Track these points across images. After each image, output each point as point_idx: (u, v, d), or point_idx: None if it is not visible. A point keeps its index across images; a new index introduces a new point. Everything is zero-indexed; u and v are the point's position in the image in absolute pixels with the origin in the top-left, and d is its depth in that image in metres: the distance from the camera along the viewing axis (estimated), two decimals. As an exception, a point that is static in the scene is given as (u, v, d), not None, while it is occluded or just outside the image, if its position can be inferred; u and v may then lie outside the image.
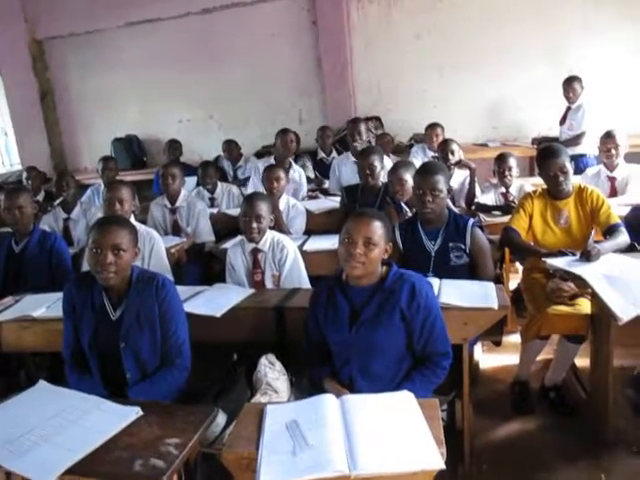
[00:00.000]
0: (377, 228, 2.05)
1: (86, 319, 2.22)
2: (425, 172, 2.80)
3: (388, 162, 4.52)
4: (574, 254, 2.75)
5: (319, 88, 6.81)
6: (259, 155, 6.06)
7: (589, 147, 5.02)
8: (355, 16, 6.57)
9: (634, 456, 2.51)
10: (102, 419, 1.73)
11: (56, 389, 1.96)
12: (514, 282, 3.82)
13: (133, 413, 1.75)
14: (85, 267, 3.14)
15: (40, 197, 5.26)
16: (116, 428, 1.68)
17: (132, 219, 3.13)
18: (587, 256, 2.66)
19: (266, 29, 6.77)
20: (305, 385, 2.21)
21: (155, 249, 3.16)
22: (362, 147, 3.68)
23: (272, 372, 2.11)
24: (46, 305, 2.69)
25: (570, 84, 5.26)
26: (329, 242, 3.38)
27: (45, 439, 1.63)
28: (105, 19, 7.00)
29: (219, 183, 4.90)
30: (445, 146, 4.44)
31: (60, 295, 2.42)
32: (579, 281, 2.63)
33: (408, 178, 3.37)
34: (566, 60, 5.93)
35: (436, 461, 1.43)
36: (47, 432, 1.66)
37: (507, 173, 3.99)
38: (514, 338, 3.40)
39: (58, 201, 4.25)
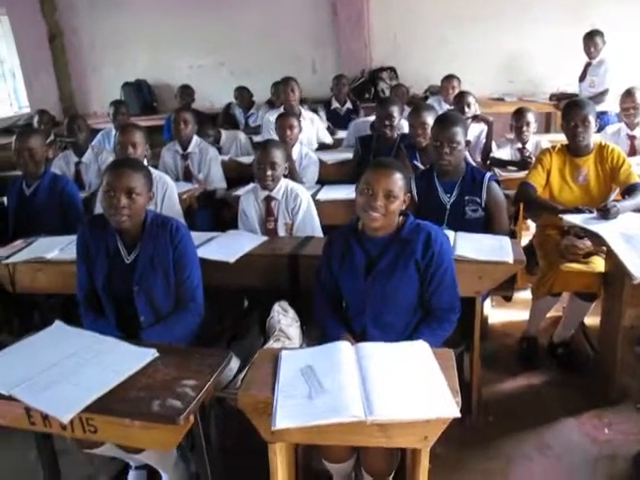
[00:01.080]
0: (398, 180, 2.01)
1: (100, 262, 2.22)
2: (443, 123, 2.73)
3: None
4: (591, 211, 2.73)
5: (333, 37, 6.67)
6: (271, 103, 5.96)
7: (611, 105, 4.91)
8: (372, -38, 6.37)
9: (638, 413, 2.55)
10: (119, 360, 1.74)
11: (72, 329, 1.97)
12: (525, 239, 3.80)
13: (149, 354, 1.76)
14: (97, 210, 3.16)
15: (50, 139, 5.20)
16: (133, 369, 1.69)
17: (145, 163, 3.10)
18: (605, 214, 2.64)
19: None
20: (316, 334, 2.22)
21: (168, 194, 3.13)
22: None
23: (285, 319, 2.12)
24: (59, 247, 2.70)
25: (591, 38, 5.12)
26: (342, 192, 3.36)
27: (63, 377, 1.65)
28: (116, -41, 6.82)
29: (223, 131, 4.83)
30: (461, 98, 4.36)
31: (73, 238, 2.43)
32: (595, 238, 2.62)
33: (429, 122, 3.28)
34: (588, 14, 5.79)
35: (452, 409, 1.44)
36: (65, 370, 1.68)
37: (525, 128, 3.92)
38: (524, 294, 3.41)
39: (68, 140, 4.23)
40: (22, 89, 7.07)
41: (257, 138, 4.86)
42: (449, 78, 5.20)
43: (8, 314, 3.07)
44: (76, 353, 1.77)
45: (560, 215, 2.79)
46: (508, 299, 3.13)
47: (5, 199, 3.44)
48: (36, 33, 7.20)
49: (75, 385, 1.61)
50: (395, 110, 3.74)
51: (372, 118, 4.22)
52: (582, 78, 5.33)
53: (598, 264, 2.72)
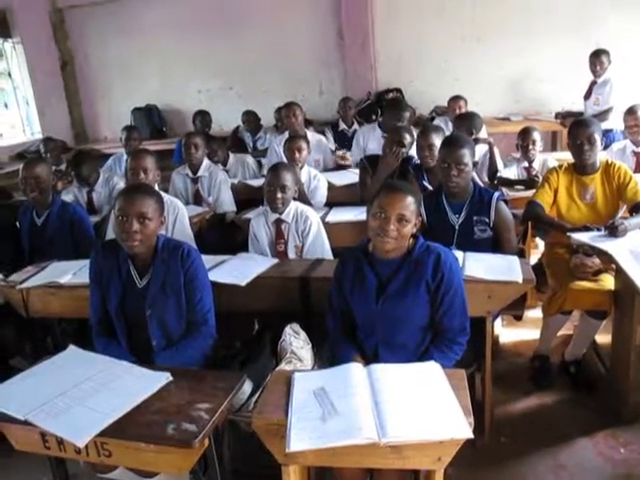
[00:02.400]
0: (410, 204, 2.03)
1: (113, 286, 2.25)
2: (450, 145, 2.75)
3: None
4: (599, 229, 2.73)
5: (340, 59, 6.74)
6: (278, 127, 6.02)
7: (616, 122, 4.93)
8: (377, -15, 6.46)
9: (653, 432, 2.53)
10: (133, 383, 1.76)
11: (86, 354, 2.00)
12: (534, 257, 3.81)
13: (164, 378, 1.78)
14: (109, 235, 3.20)
15: (63, 166, 5.26)
16: (147, 392, 1.71)
17: (156, 188, 3.14)
18: (613, 231, 2.65)
19: (287, -1, 6.69)
20: (327, 355, 2.23)
21: (179, 218, 3.17)
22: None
23: (297, 341, 2.14)
24: (72, 272, 2.73)
25: (597, 57, 5.16)
26: (352, 214, 3.38)
27: (78, 401, 1.67)
28: (125, -13, 6.96)
29: (231, 154, 4.89)
30: (464, 121, 4.34)
31: (86, 262, 2.46)
32: (604, 256, 2.62)
33: (437, 143, 3.29)
34: (592, 33, 5.81)
35: (464, 430, 1.45)
36: (80, 395, 1.70)
37: (531, 147, 3.93)
38: (534, 313, 3.41)
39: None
40: (35, 115, 7.21)
41: (264, 161, 4.91)
42: (456, 99, 5.24)
43: (21, 338, 3.10)
44: (90, 377, 1.80)
45: (568, 233, 2.80)
46: (519, 318, 3.13)
47: (18, 224, 3.48)
48: (49, 60, 7.35)
49: (90, 409, 1.63)
50: (406, 137, 3.76)
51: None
52: (587, 96, 5.36)
53: (608, 282, 2.72)
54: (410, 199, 2.04)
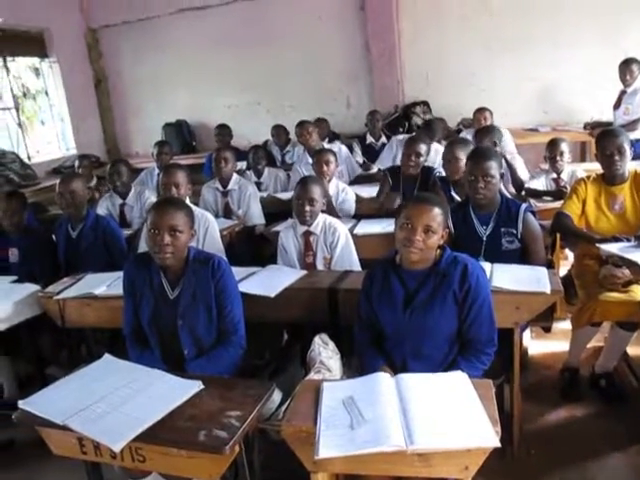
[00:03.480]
0: (437, 215, 2.05)
1: (145, 298, 2.31)
2: (477, 157, 2.77)
3: (439, 148, 4.52)
4: (629, 240, 2.71)
5: (366, 73, 6.80)
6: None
7: (646, 132, 4.89)
8: (403, -1, 6.51)
9: (686, 445, 2.49)
10: (166, 391, 1.81)
11: (121, 362, 2.05)
12: (564, 269, 3.78)
13: (195, 386, 1.83)
14: (141, 248, 3.27)
15: (93, 183, 5.39)
16: (180, 400, 1.76)
17: (187, 201, 3.21)
18: (643, 242, 2.62)
19: (313, 14, 6.80)
20: (356, 365, 2.25)
21: (210, 231, 3.23)
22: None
23: (325, 351, 2.16)
24: (107, 283, 2.80)
25: (628, 66, 5.12)
26: (379, 226, 3.41)
27: (114, 408, 1.72)
28: (157, 7, 7.17)
29: (266, 168, 4.98)
30: (484, 135, 4.29)
31: (120, 274, 2.53)
32: (634, 267, 2.59)
33: (462, 157, 3.31)
34: (621, 42, 5.75)
35: (492, 439, 1.46)
36: (115, 401, 1.75)
37: (559, 158, 3.92)
38: (563, 325, 3.38)
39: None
40: (69, 132, 7.40)
41: (292, 175, 4.98)
42: (481, 110, 5.25)
43: (57, 348, 3.19)
44: (126, 385, 1.85)
45: (597, 244, 2.78)
46: (547, 330, 3.11)
47: (54, 237, 3.59)
48: (83, 79, 7.59)
49: (125, 415, 1.68)
50: (421, 147, 3.79)
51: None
52: (617, 106, 5.32)
53: (638, 293, 2.69)
54: (437, 210, 2.06)
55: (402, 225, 2.06)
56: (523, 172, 4.35)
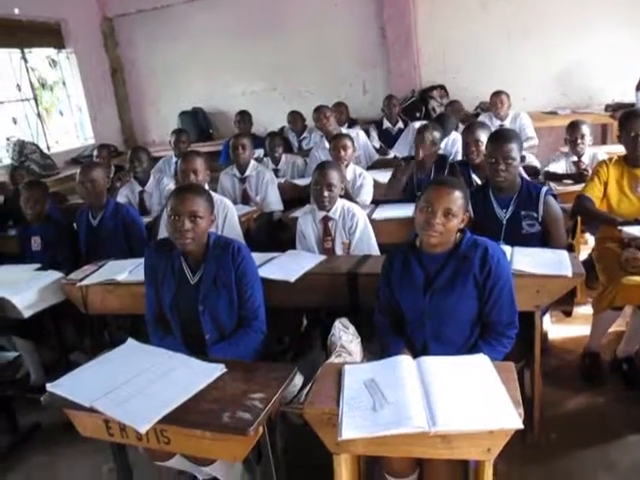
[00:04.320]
0: (457, 199, 2.04)
1: (167, 283, 2.33)
2: (497, 140, 2.75)
3: (457, 137, 4.50)
4: (652, 223, 2.69)
5: (383, 58, 6.76)
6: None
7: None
8: (419, -17, 6.44)
9: None
10: (190, 374, 1.83)
11: (144, 346, 2.08)
12: (584, 253, 3.74)
13: (218, 369, 1.85)
14: (161, 234, 3.30)
15: (111, 174, 5.42)
16: (204, 383, 1.78)
17: (206, 187, 3.23)
18: (667, 224, 2.59)
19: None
20: (376, 349, 2.26)
21: (229, 217, 3.26)
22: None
23: (346, 335, 2.17)
24: (128, 269, 2.84)
25: (651, 46, 5.02)
26: (398, 211, 3.40)
27: (139, 391, 1.75)
28: (172, -6, 7.15)
29: (283, 155, 4.98)
30: None
31: (141, 260, 2.56)
32: (657, 250, 2.57)
33: (483, 139, 3.30)
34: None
35: (514, 420, 1.46)
36: (140, 384, 1.78)
37: (579, 141, 3.88)
38: (584, 309, 3.35)
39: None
40: (87, 121, 7.46)
41: (310, 162, 4.97)
42: (498, 93, 5.20)
43: (80, 334, 3.24)
44: (150, 368, 1.87)
45: (619, 227, 2.75)
46: (568, 314, 3.09)
47: (75, 225, 3.64)
48: (99, 69, 7.64)
49: (151, 398, 1.70)
50: (433, 135, 3.73)
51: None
52: (639, 87, 5.23)
53: (661, 276, 2.67)
54: (457, 194, 2.05)
55: (422, 208, 2.05)
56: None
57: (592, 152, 3.97)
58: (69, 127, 7.48)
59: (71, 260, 3.37)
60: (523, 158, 2.74)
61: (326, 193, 2.91)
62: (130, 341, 2.12)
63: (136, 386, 1.77)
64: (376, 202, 3.79)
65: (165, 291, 2.34)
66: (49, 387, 1.83)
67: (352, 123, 5.93)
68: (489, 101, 5.35)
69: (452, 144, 4.53)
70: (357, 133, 4.98)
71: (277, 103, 7.15)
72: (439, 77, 6.63)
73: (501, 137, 2.76)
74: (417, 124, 4.98)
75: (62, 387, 1.82)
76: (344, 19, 6.76)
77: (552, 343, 3.29)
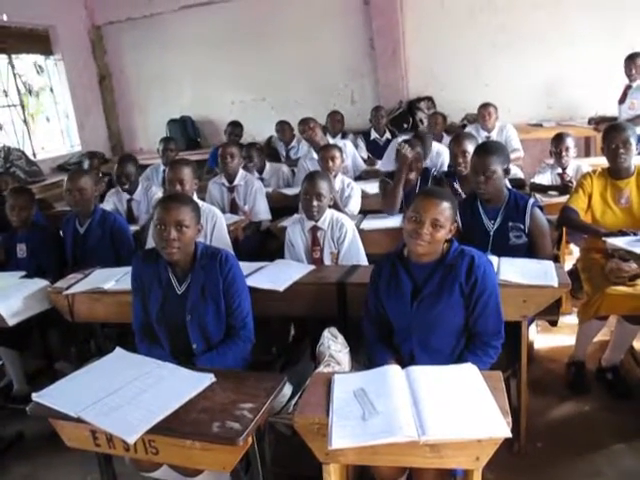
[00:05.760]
0: (445, 209, 2.06)
1: (154, 293, 2.32)
2: (479, 152, 2.79)
3: (441, 148, 4.53)
4: (635, 234, 2.72)
5: (371, 69, 6.81)
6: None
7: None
8: (407, -5, 6.51)
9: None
10: (179, 384, 1.82)
11: (132, 356, 2.07)
12: (569, 263, 3.78)
13: (207, 379, 1.84)
14: (149, 244, 3.29)
15: (102, 183, 5.35)
16: (193, 392, 1.77)
17: (195, 197, 3.22)
18: (650, 236, 2.63)
19: (317, 10, 6.79)
20: (364, 359, 2.26)
21: (217, 226, 3.25)
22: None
23: (335, 344, 2.17)
24: (115, 278, 2.81)
25: (633, 60, 5.09)
26: (386, 221, 3.42)
27: (127, 400, 1.73)
28: (160, 3, 7.19)
29: (268, 163, 4.98)
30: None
31: (128, 269, 2.54)
32: (640, 261, 2.61)
33: (470, 149, 3.33)
34: (626, 36, 5.74)
35: (503, 430, 1.47)
36: (129, 394, 1.77)
37: (564, 153, 3.93)
38: (569, 319, 3.40)
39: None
40: (74, 128, 7.43)
41: (297, 172, 4.98)
42: (485, 106, 5.26)
43: (66, 343, 3.21)
44: (138, 378, 1.86)
45: (604, 238, 2.79)
46: (554, 324, 3.11)
47: (61, 233, 3.61)
48: (87, 75, 7.62)
49: (139, 408, 1.69)
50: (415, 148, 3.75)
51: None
52: (622, 100, 5.30)
53: (645, 286, 2.70)
54: (445, 204, 2.07)
55: (410, 218, 2.07)
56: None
57: (576, 164, 4.03)
58: (56, 134, 7.44)
59: (57, 268, 3.34)
60: (507, 170, 2.76)
61: (315, 203, 2.92)
62: (118, 350, 2.10)
63: (124, 396, 1.76)
64: (364, 212, 3.81)
65: (152, 301, 2.33)
66: (35, 397, 1.81)
67: (344, 135, 5.97)
68: (477, 113, 5.41)
69: (437, 156, 4.57)
70: (345, 143, 5.00)
71: (266, 113, 7.17)
72: (427, 88, 6.69)
73: (482, 150, 2.81)
74: (402, 138, 5.01)
75: (48, 397, 1.80)
76: (333, 30, 6.81)
77: (538, 353, 3.31)
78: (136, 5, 7.26)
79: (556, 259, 2.89)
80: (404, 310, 2.13)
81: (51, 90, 7.32)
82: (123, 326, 2.74)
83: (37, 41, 7.01)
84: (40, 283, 2.94)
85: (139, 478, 2.14)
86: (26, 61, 7.03)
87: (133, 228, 3.84)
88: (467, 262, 2.09)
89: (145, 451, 1.70)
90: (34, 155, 6.85)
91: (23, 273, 3.18)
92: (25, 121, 6.88)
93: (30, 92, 7.11)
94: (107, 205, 4.17)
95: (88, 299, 2.78)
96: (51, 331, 3.14)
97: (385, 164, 4.93)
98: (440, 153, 4.55)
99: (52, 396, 1.81)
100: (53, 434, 1.87)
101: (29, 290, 2.87)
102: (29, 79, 7.10)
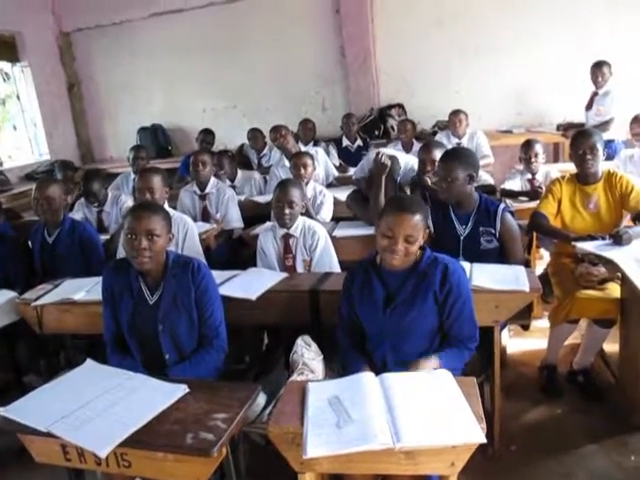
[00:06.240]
0: (418, 222, 2.05)
1: (124, 304, 2.29)
2: (443, 159, 2.83)
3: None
4: (604, 238, 2.77)
5: (342, 76, 6.84)
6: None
7: (617, 132, 5.00)
8: (378, 3, 6.56)
9: (663, 439, 2.54)
10: (151, 395, 1.80)
11: (104, 367, 2.04)
12: (539, 268, 3.84)
13: (180, 390, 1.82)
14: (119, 254, 3.25)
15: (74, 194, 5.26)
16: (166, 403, 1.75)
17: (166, 205, 3.19)
18: (618, 240, 2.68)
19: (288, 18, 6.80)
20: (338, 367, 2.26)
21: (189, 234, 3.21)
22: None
23: (308, 352, 2.16)
24: (86, 289, 2.77)
25: (599, 68, 5.21)
26: (358, 228, 3.42)
27: (99, 413, 1.70)
28: (130, 10, 7.12)
29: (239, 171, 4.96)
30: None
31: (98, 279, 2.50)
32: (609, 265, 2.66)
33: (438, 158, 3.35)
34: (592, 45, 5.87)
35: (477, 435, 1.48)
36: (100, 407, 1.74)
37: (534, 159, 4.00)
38: (540, 323, 3.44)
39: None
40: (42, 137, 7.28)
41: (270, 180, 4.97)
42: (456, 113, 5.33)
43: (35, 355, 3.13)
44: (109, 390, 1.83)
45: (573, 243, 2.84)
46: (526, 328, 3.16)
47: (30, 243, 3.53)
48: (56, 83, 7.48)
49: (110, 421, 1.66)
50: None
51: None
52: (589, 107, 5.42)
53: (614, 290, 2.75)
54: (417, 218, 2.06)
55: (383, 233, 2.06)
56: None
57: (545, 170, 4.10)
58: (23, 142, 7.31)
59: (25, 279, 3.27)
60: (472, 177, 2.77)
61: (287, 211, 2.91)
62: (89, 362, 2.07)
63: (95, 409, 1.72)
64: (336, 219, 3.82)
65: (123, 311, 2.29)
66: (2, 411, 1.77)
67: (316, 142, 5.98)
68: (448, 120, 5.47)
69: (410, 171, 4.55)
70: (316, 151, 5.01)
71: (237, 120, 7.15)
72: (398, 96, 6.74)
73: (446, 156, 2.84)
74: (372, 153, 4.99)
75: (16, 411, 1.76)
76: (304, 37, 6.82)
77: (510, 357, 3.35)
78: (105, 12, 7.17)
79: (527, 264, 2.92)
80: (377, 317, 2.13)
81: (18, 98, 7.18)
82: (93, 337, 2.70)
83: (3, 47, 6.86)
84: (8, 294, 2.89)
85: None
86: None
87: (104, 238, 3.78)
88: (441, 270, 2.10)
89: (117, 465, 1.67)
90: (0, 164, 6.71)
91: (-11, 285, 3.11)
92: (-10, 129, 6.75)
93: (-4, 100, 6.99)
94: (77, 215, 4.10)
95: (57, 310, 2.73)
96: (19, 343, 3.06)
97: (358, 173, 4.93)
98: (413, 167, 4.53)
99: (21, 410, 1.77)
100: (21, 450, 1.82)
101: (-4, 302, 2.80)
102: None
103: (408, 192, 3.72)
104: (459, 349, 2.12)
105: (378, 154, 3.61)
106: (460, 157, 2.80)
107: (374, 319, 2.15)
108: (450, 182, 2.72)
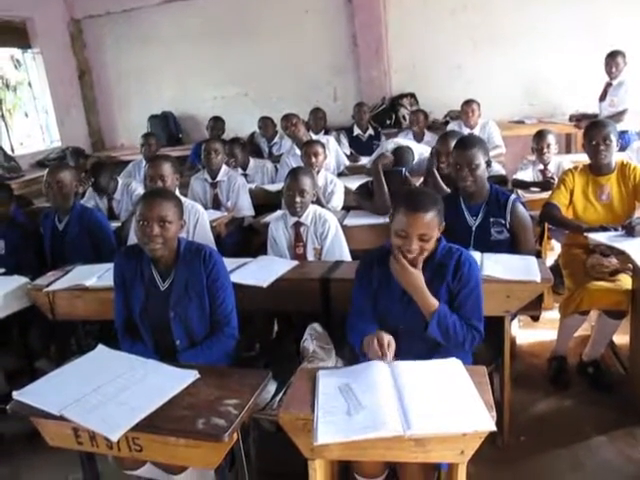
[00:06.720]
0: (432, 219, 2.00)
1: (136, 290, 2.30)
2: (462, 146, 2.77)
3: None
4: (616, 229, 2.75)
5: (354, 65, 6.80)
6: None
7: (631, 123, 4.95)
8: (390, -8, 6.51)
9: (673, 431, 2.53)
10: (163, 380, 1.81)
11: (115, 353, 2.05)
12: (550, 259, 3.82)
13: (191, 375, 1.83)
14: (130, 240, 3.26)
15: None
16: (177, 389, 1.76)
17: (177, 193, 3.19)
18: (630, 231, 2.66)
19: (300, 6, 6.78)
20: (348, 355, 2.26)
21: (200, 222, 3.22)
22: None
23: (319, 340, 2.18)
24: (97, 275, 2.79)
25: (614, 58, 5.15)
26: (369, 218, 3.42)
27: (110, 398, 1.71)
28: (141, -3, 7.08)
29: (252, 159, 4.97)
30: None
31: (110, 265, 2.52)
32: (621, 256, 2.65)
33: None
34: (606, 34, 5.80)
35: (488, 423, 1.48)
36: (112, 391, 1.75)
37: (546, 150, 3.96)
38: (550, 315, 3.43)
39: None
40: (54, 124, 7.30)
41: (280, 168, 4.96)
42: (468, 102, 5.28)
43: (46, 341, 3.16)
44: (121, 375, 1.84)
45: (585, 234, 2.82)
46: (536, 319, 3.15)
47: (41, 229, 3.56)
48: (67, 70, 7.49)
49: (122, 405, 1.67)
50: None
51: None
52: (602, 98, 5.36)
53: (625, 281, 2.73)
54: (431, 214, 2.00)
55: (397, 232, 2.02)
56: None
57: (558, 161, 4.06)
58: (34, 129, 7.33)
59: (36, 265, 3.29)
60: (489, 163, 2.76)
61: (298, 199, 2.91)
62: (100, 347, 2.08)
63: (107, 393, 1.73)
64: (347, 208, 3.81)
65: (134, 298, 2.31)
66: (16, 395, 1.78)
67: (327, 131, 5.96)
68: (460, 109, 5.43)
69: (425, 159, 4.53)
70: (327, 139, 5.00)
71: (248, 108, 7.12)
72: (409, 85, 6.70)
73: (465, 143, 2.79)
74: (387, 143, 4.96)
75: (29, 395, 1.78)
76: (315, 26, 6.79)
77: (520, 347, 3.34)
78: (116, -1, 7.16)
79: (538, 255, 2.91)
80: (394, 305, 2.11)
81: (29, 85, 7.20)
82: (104, 323, 2.71)
83: (14, 34, 6.86)
84: (20, 280, 2.90)
85: (122, 477, 2.11)
86: (3, 54, 6.91)
87: (115, 225, 3.80)
88: (455, 259, 2.08)
89: (129, 449, 1.68)
90: (12, 151, 6.73)
91: (2, 270, 3.13)
92: (2, 116, 6.77)
93: (7, 86, 7.00)
94: (88, 203, 4.12)
95: (69, 296, 2.74)
96: (31, 329, 3.09)
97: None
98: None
99: (33, 394, 1.78)
100: (33, 434, 1.84)
101: (8, 287, 2.83)
102: (6, 73, 6.98)
103: (421, 181, 3.70)
104: (467, 328, 2.05)
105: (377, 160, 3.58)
106: (477, 143, 2.78)
107: (391, 307, 2.12)
108: (474, 169, 2.68)
